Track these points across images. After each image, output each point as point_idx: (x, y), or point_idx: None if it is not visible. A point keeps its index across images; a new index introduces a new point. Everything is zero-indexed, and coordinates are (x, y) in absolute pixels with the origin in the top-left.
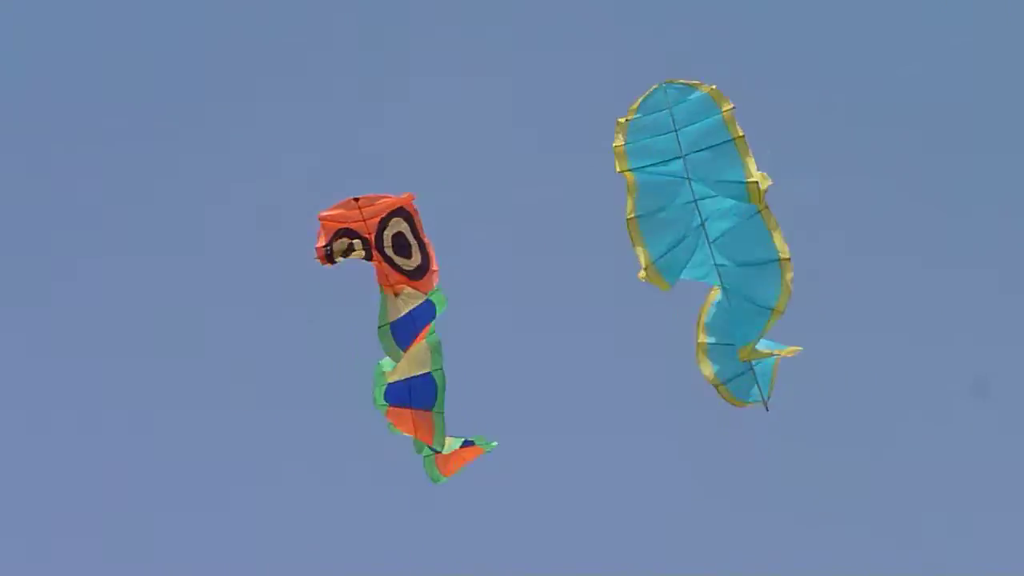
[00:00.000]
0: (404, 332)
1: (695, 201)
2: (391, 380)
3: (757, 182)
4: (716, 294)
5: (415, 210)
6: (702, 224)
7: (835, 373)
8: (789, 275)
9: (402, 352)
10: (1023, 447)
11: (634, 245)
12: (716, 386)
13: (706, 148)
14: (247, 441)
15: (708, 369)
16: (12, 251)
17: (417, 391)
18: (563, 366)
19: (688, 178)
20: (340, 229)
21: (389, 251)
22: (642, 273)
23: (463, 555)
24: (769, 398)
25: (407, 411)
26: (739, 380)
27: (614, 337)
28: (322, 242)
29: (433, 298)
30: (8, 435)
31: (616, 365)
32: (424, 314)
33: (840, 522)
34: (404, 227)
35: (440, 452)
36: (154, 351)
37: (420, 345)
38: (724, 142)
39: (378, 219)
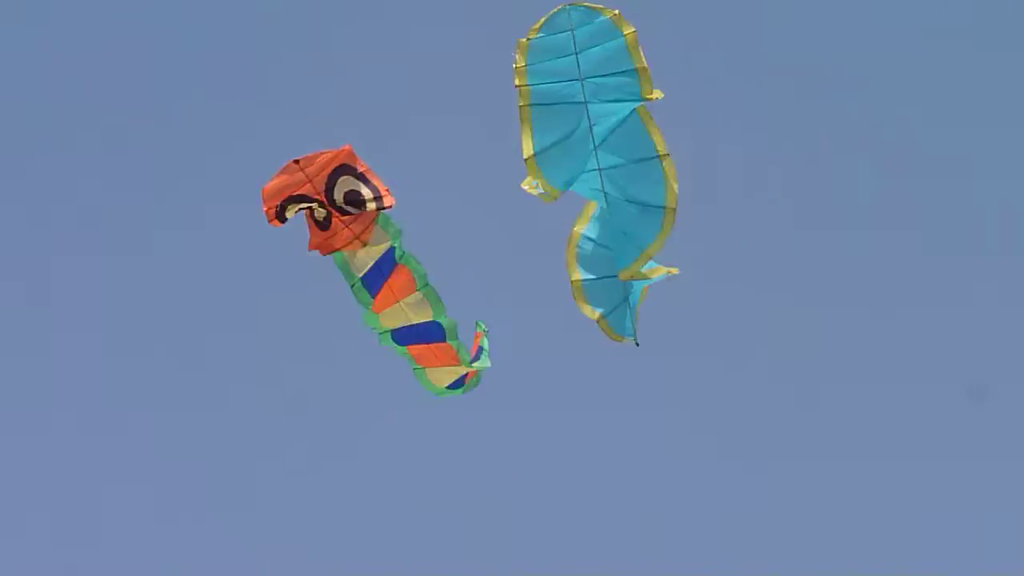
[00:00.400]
0: (375, 280)
1: (590, 125)
2: (393, 327)
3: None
4: (592, 209)
5: (356, 159)
6: (590, 128)
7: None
8: (672, 171)
9: (372, 299)
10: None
11: (521, 132)
12: (597, 321)
13: (607, 75)
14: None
15: (587, 307)
16: None
17: (425, 332)
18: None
19: (585, 101)
20: (289, 196)
21: (344, 206)
22: (527, 182)
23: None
24: (635, 333)
25: (423, 347)
26: (617, 312)
27: None
28: (271, 214)
29: (393, 242)
30: None
31: None
32: (387, 260)
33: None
34: (352, 183)
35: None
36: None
37: (414, 296)
38: (625, 71)
39: (324, 175)
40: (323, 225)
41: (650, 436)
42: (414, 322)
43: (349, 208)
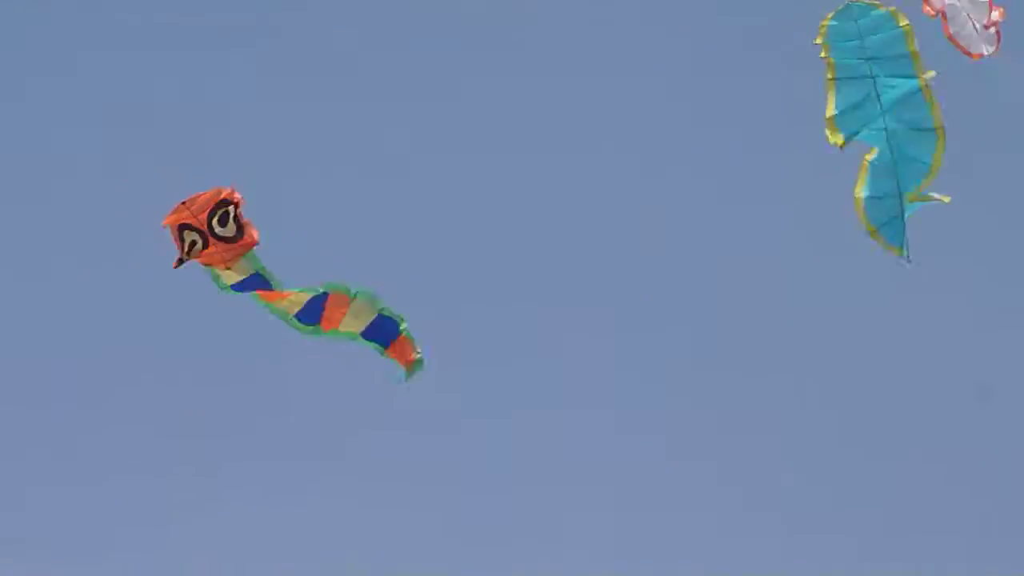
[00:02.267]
0: (242, 288)
1: (877, 95)
2: (356, 331)
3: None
4: (872, 155)
5: (236, 198)
6: (878, 96)
7: None
8: (943, 142)
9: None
10: None
11: (827, 96)
12: (871, 232)
13: (889, 57)
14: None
15: (864, 220)
16: None
17: (382, 329)
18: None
19: (872, 76)
20: (182, 224)
21: (216, 228)
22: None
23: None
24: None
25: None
26: (890, 226)
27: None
28: (177, 251)
29: (261, 271)
30: None
31: None
32: (256, 280)
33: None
34: (226, 209)
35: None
36: None
37: (356, 303)
38: (902, 55)
39: (206, 213)
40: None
41: None
42: (367, 323)
43: (216, 228)
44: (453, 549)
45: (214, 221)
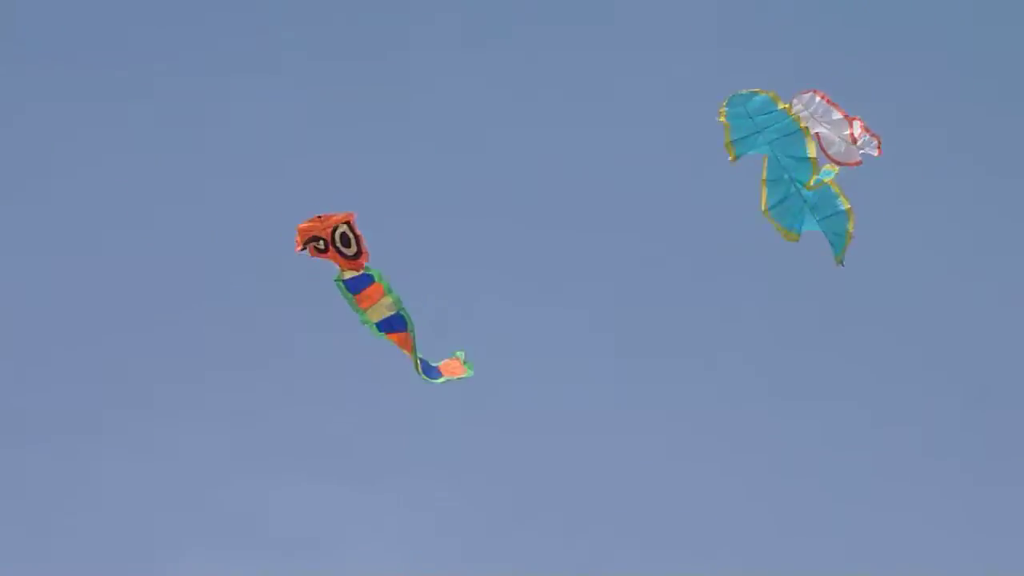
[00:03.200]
0: (354, 286)
1: (790, 176)
2: (375, 320)
3: (815, 158)
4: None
5: (353, 222)
6: (797, 190)
7: None
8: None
9: (354, 297)
10: None
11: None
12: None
13: (782, 136)
14: None
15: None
16: None
17: (395, 323)
18: None
19: (776, 155)
20: (311, 236)
21: (338, 245)
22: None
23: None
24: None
25: (397, 335)
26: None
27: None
28: (298, 245)
29: (371, 272)
30: None
31: None
32: (364, 279)
33: None
34: (346, 230)
35: (419, 357)
36: None
37: (383, 300)
38: (794, 132)
39: (331, 227)
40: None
41: None
42: (386, 316)
43: (341, 248)
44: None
45: (336, 235)
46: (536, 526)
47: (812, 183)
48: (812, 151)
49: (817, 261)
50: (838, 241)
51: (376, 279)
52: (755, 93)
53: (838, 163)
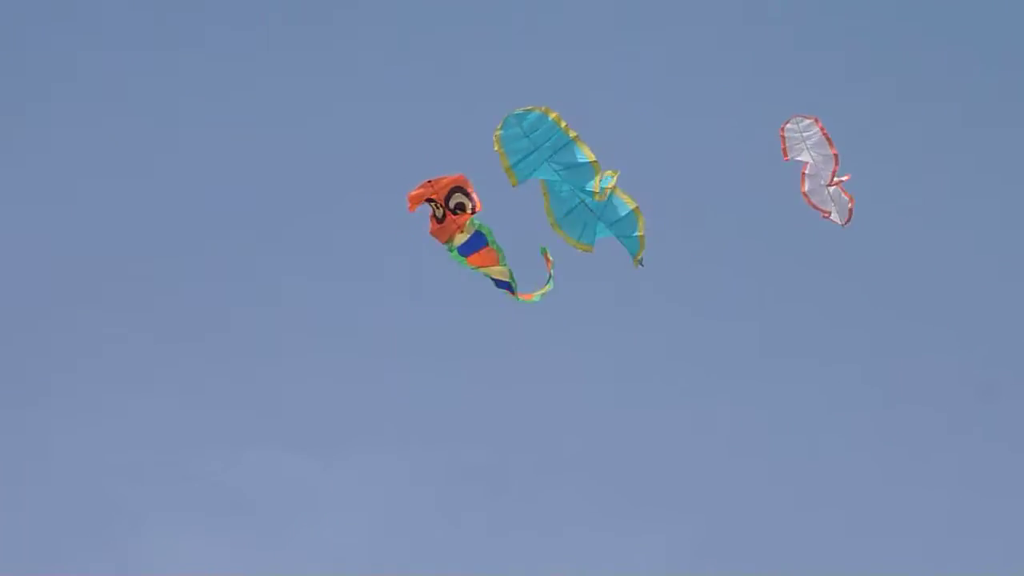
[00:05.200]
0: (466, 249)
1: (572, 187)
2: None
3: (597, 161)
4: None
5: (466, 182)
6: (582, 200)
7: None
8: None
9: (466, 259)
10: None
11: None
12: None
13: (557, 148)
14: None
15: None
16: None
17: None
18: None
19: (555, 170)
20: (429, 198)
21: (454, 209)
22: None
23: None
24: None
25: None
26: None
27: None
28: (416, 202)
29: (481, 229)
30: None
31: None
32: (478, 239)
33: None
34: (462, 198)
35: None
36: None
37: (496, 268)
38: (567, 143)
39: (446, 191)
40: (440, 220)
41: None
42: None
43: (457, 211)
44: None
45: (451, 202)
46: (500, 500)
47: (597, 191)
48: (590, 156)
49: (817, 262)
50: (631, 244)
51: (488, 240)
52: (529, 111)
53: (812, 205)
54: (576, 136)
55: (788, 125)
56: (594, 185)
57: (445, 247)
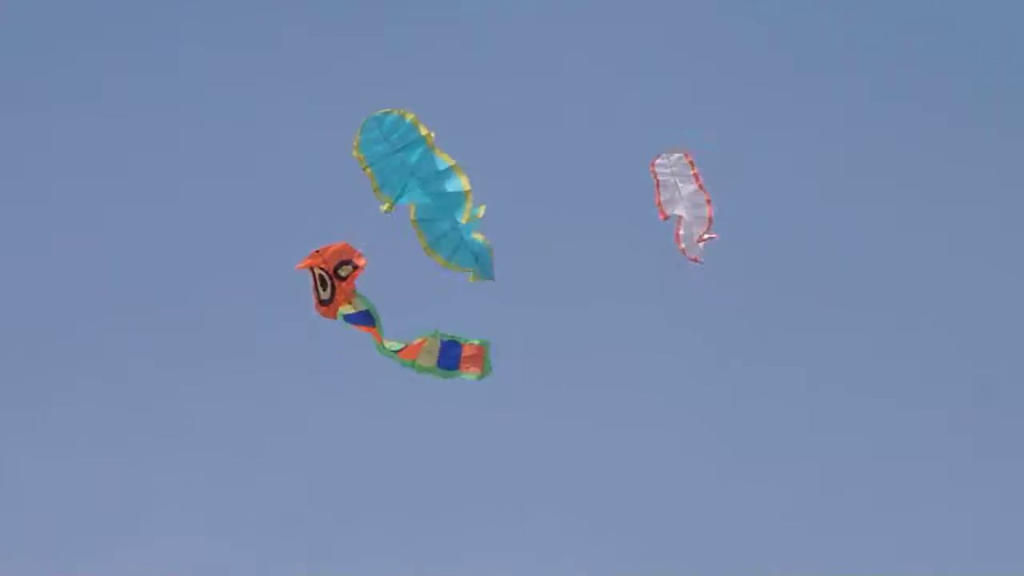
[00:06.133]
0: (354, 318)
1: (443, 213)
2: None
3: (470, 190)
4: (415, 213)
5: (351, 250)
6: (453, 225)
7: None
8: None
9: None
10: None
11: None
12: (425, 250)
13: (409, 143)
14: None
15: (439, 258)
16: None
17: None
18: None
19: (428, 195)
20: (319, 267)
21: (340, 273)
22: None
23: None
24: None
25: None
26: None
27: None
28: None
29: (368, 308)
30: None
31: None
32: (366, 317)
33: None
34: (348, 269)
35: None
36: None
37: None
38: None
39: (334, 261)
40: (326, 302)
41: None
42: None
43: (341, 274)
44: None
45: (339, 270)
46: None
47: (467, 216)
48: (466, 185)
49: (817, 264)
50: (484, 259)
51: (376, 322)
52: (387, 113)
53: (680, 248)
54: (430, 137)
55: (659, 160)
56: (463, 215)
57: (375, 347)
